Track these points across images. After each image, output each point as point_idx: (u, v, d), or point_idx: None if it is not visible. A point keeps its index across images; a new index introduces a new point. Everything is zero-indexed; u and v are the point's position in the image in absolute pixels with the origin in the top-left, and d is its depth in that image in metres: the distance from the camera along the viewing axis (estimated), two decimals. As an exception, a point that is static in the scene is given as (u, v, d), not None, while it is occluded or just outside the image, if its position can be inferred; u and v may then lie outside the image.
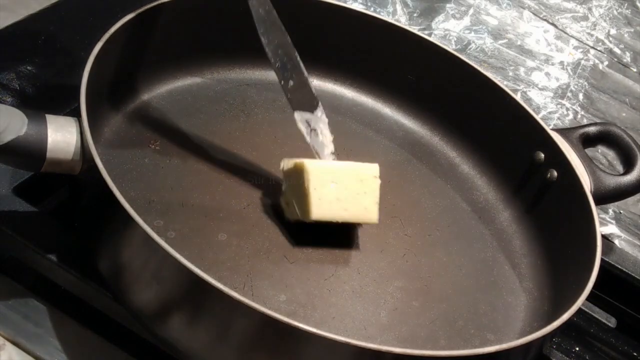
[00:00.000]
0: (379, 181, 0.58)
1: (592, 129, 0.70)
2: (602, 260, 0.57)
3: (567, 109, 0.95)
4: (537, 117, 0.68)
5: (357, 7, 0.75)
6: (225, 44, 0.70)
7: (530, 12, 1.11)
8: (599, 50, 1.08)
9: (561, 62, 1.04)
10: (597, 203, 0.62)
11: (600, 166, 0.68)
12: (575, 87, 1.00)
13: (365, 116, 0.74)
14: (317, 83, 0.74)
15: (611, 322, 0.72)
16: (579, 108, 0.96)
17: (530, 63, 1.01)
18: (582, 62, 1.05)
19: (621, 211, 0.81)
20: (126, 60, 0.61)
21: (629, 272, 0.70)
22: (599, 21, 1.15)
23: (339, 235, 0.60)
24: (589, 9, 1.16)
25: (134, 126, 0.62)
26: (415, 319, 0.57)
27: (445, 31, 1.00)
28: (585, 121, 0.93)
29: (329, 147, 0.60)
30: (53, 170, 0.52)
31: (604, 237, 0.62)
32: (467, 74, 0.72)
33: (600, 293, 0.69)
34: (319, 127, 0.60)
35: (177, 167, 0.61)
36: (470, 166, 0.72)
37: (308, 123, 0.60)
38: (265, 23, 0.59)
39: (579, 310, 0.52)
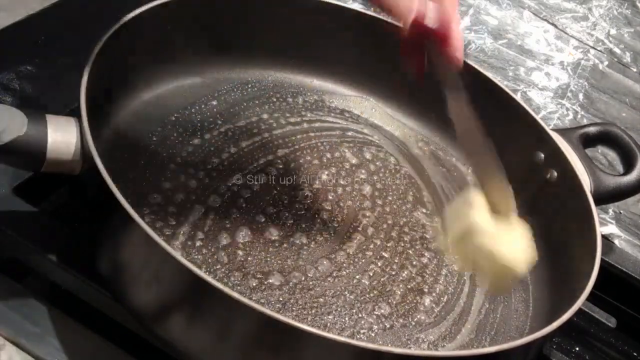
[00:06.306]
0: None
1: (592, 129, 0.70)
2: (602, 260, 0.56)
3: (567, 109, 0.95)
4: (537, 117, 0.68)
5: (357, 7, 0.75)
6: (225, 44, 0.70)
7: (530, 12, 1.11)
8: (599, 50, 1.08)
9: (561, 62, 1.04)
10: (597, 203, 0.62)
11: (600, 166, 0.68)
12: (575, 87, 1.00)
13: (365, 116, 0.74)
14: (317, 83, 0.74)
15: (611, 322, 0.72)
16: (579, 108, 0.96)
17: (530, 63, 1.01)
18: (582, 62, 1.05)
19: (621, 211, 0.81)
20: (126, 60, 0.61)
21: (629, 272, 0.70)
22: (599, 21, 1.15)
23: (338, 237, 0.60)
24: (589, 9, 1.17)
25: (134, 126, 0.62)
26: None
27: (445, 31, 1.00)
28: (585, 121, 0.93)
29: None
30: (53, 170, 0.52)
31: (604, 237, 0.62)
32: (467, 74, 0.71)
33: (600, 293, 0.69)
34: None
35: (177, 167, 0.61)
36: (470, 166, 0.72)
37: None
38: None
39: (579, 310, 0.52)
